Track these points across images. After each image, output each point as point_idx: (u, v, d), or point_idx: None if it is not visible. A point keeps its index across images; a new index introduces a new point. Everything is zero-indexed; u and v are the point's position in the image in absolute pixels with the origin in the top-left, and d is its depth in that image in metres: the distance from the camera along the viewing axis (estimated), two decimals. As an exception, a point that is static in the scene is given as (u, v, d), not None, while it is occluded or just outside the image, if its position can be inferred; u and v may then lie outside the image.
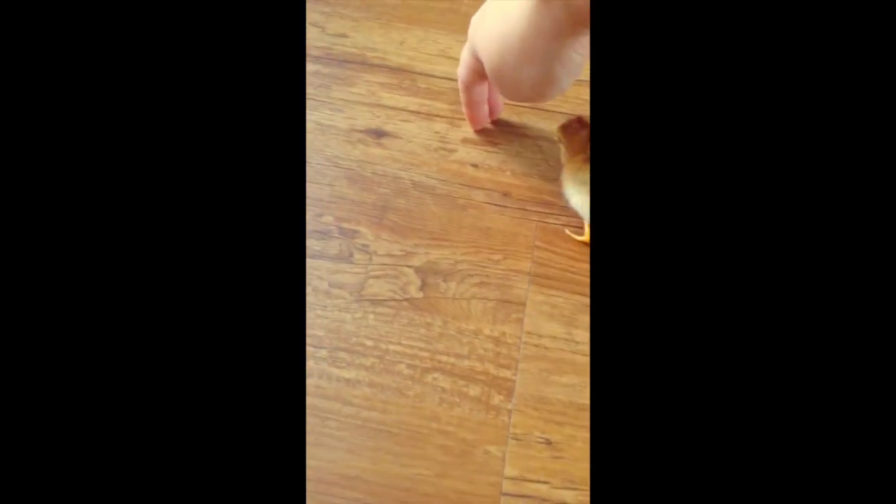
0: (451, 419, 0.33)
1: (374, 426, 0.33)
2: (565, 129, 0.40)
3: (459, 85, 0.40)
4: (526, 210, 0.40)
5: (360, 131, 0.43)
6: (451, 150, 0.43)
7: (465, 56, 0.38)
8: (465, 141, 0.43)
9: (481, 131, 0.43)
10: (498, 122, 0.44)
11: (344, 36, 0.48)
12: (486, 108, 0.42)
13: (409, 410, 0.33)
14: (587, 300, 0.37)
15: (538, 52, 0.31)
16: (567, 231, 0.39)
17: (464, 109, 0.42)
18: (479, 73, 0.37)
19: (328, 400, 0.33)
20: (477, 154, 0.43)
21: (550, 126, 0.44)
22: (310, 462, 0.31)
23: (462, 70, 0.39)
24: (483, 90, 0.40)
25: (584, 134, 0.40)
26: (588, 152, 0.38)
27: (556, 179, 0.41)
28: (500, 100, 0.43)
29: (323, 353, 0.35)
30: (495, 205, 0.40)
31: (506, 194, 0.41)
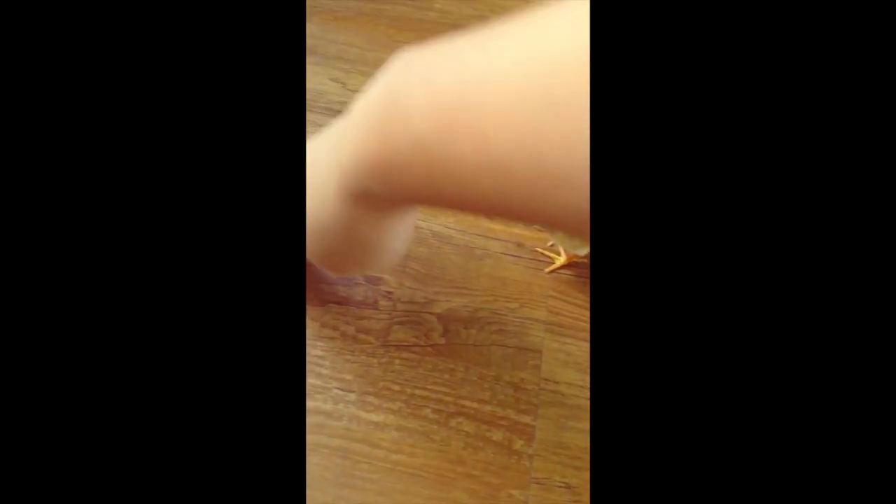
0: (476, 463, 0.34)
1: (404, 469, 0.34)
2: None
3: None
4: (539, 261, 0.42)
5: (382, 182, 0.45)
6: (467, 203, 0.45)
7: None
8: (479, 194, 0.45)
9: None
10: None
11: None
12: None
13: (436, 454, 0.34)
14: (599, 348, 0.39)
15: (369, 238, 0.30)
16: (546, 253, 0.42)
17: None
18: None
19: (358, 443, 0.34)
20: (491, 206, 0.45)
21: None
22: (341, 505, 0.32)
23: None
24: None
25: None
26: None
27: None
28: None
29: (352, 396, 0.36)
30: (510, 255, 0.43)
31: (520, 245, 0.43)
